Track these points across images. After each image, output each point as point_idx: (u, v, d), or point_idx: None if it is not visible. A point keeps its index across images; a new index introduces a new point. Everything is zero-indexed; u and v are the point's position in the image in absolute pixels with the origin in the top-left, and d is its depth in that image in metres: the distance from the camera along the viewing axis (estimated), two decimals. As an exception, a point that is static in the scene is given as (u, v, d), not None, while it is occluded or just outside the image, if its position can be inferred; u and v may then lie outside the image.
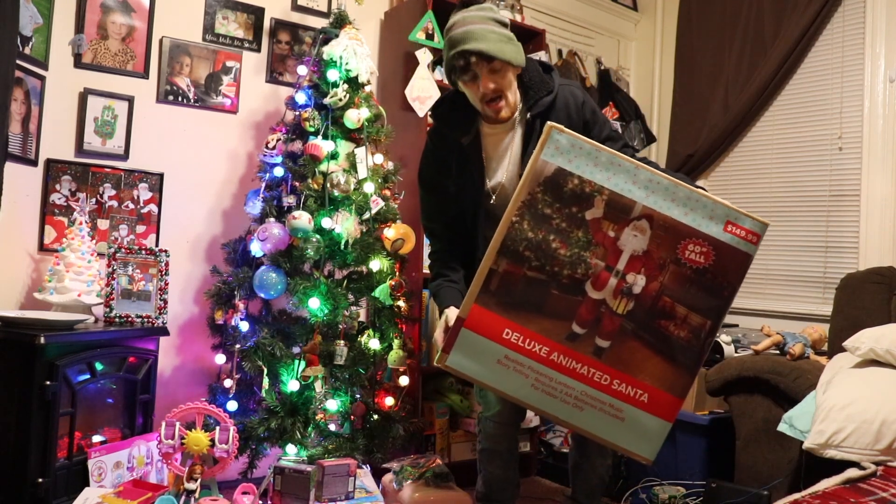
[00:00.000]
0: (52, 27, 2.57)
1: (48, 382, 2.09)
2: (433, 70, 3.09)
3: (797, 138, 3.63)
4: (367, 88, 2.77)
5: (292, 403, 2.51)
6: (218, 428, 2.20)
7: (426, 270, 2.88)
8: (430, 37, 3.09)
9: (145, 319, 2.50)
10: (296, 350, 2.56)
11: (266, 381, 2.51)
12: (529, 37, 3.50)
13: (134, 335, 2.49)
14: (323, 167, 2.59)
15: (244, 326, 2.53)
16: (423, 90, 3.03)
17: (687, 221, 1.56)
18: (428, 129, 2.71)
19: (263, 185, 2.66)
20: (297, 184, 2.59)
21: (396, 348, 2.64)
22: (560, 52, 4.07)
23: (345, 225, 2.60)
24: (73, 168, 2.64)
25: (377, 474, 2.62)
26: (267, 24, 3.08)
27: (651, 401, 1.59)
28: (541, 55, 3.42)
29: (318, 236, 2.54)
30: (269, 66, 3.09)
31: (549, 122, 1.60)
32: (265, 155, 2.66)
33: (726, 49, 3.86)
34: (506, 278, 1.58)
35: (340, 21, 2.75)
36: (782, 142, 3.70)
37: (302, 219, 2.50)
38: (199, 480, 2.15)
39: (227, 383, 2.56)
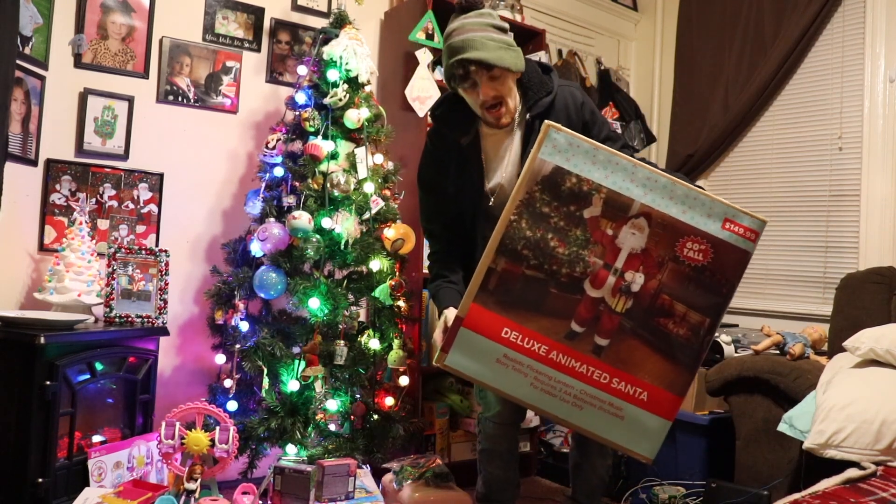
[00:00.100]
0: (52, 27, 2.57)
1: (48, 382, 2.09)
2: (433, 70, 3.09)
3: (797, 138, 3.63)
4: (367, 88, 2.77)
5: (292, 403, 2.51)
6: (218, 428, 2.20)
7: (426, 270, 2.88)
8: (430, 37, 3.09)
9: (145, 319, 2.50)
10: (296, 350, 2.56)
11: (266, 381, 2.51)
12: (529, 37, 3.50)
13: (134, 335, 2.49)
14: (323, 167, 2.60)
15: (244, 326, 2.53)
16: (423, 90, 3.04)
17: (685, 219, 1.56)
18: (427, 129, 2.71)
19: (263, 185, 2.66)
20: (297, 184, 2.59)
21: (396, 348, 2.64)
22: (560, 52, 4.07)
23: (345, 225, 2.60)
24: (73, 168, 2.65)
25: (377, 474, 2.61)
26: (267, 24, 3.09)
27: (651, 399, 1.59)
28: (541, 55, 3.42)
29: (318, 236, 2.54)
30: (269, 66, 3.10)
31: (546, 121, 1.60)
32: (265, 155, 2.66)
33: (726, 49, 3.86)
34: (504, 277, 1.58)
35: (340, 21, 2.75)
36: (782, 142, 3.70)
37: (302, 219, 2.50)
38: (199, 480, 2.15)
39: (227, 383, 2.56)
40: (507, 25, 1.98)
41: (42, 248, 2.58)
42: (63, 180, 2.63)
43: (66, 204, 2.63)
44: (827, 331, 2.80)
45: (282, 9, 3.13)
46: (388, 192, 2.75)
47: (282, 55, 3.13)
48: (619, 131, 3.88)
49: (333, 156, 2.64)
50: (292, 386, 2.49)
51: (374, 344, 2.61)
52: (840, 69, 3.47)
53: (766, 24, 3.67)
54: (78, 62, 2.67)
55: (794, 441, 2.22)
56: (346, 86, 2.66)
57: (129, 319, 2.48)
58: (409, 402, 2.81)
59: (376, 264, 2.62)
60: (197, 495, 2.13)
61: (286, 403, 2.51)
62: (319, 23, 3.11)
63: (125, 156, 2.75)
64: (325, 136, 2.63)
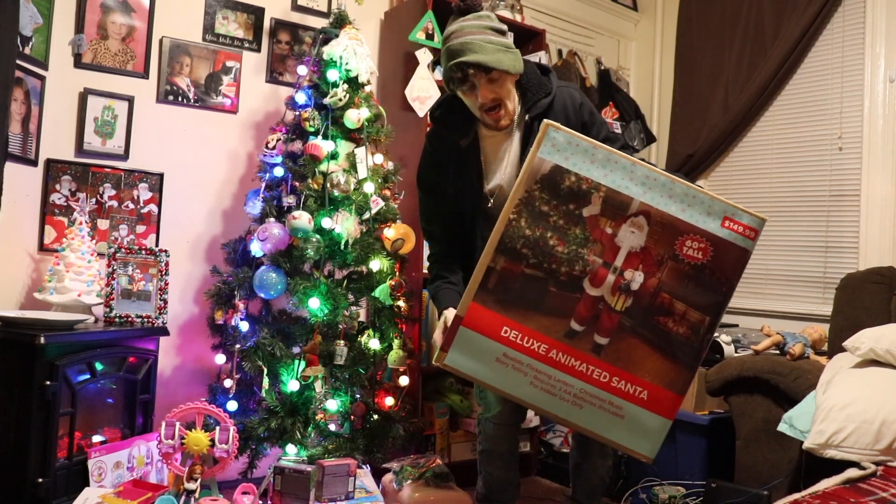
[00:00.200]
0: (52, 27, 2.57)
1: (48, 382, 2.09)
2: (433, 70, 3.09)
3: (797, 138, 3.63)
4: (367, 88, 2.77)
5: (292, 403, 2.51)
6: (218, 428, 2.20)
7: (426, 270, 2.88)
8: (430, 37, 3.09)
9: (145, 319, 2.50)
10: (296, 350, 2.56)
11: (266, 381, 2.51)
12: (529, 37, 3.50)
13: (134, 335, 2.49)
14: (323, 167, 2.60)
15: (244, 326, 2.53)
16: (423, 90, 3.04)
17: (684, 217, 1.57)
18: (427, 131, 2.71)
19: (263, 185, 2.66)
20: (297, 184, 2.59)
21: (396, 348, 2.64)
22: (560, 52, 4.08)
23: (345, 225, 2.60)
24: (73, 168, 2.65)
25: (377, 474, 2.61)
26: (267, 24, 3.09)
27: (651, 398, 1.59)
28: (541, 55, 3.42)
29: (318, 236, 2.54)
30: (269, 66, 3.10)
31: (545, 120, 1.60)
32: (265, 155, 2.66)
33: (726, 49, 3.86)
34: (504, 276, 1.58)
35: (340, 21, 2.75)
36: (782, 142, 3.70)
37: (302, 219, 2.50)
38: (199, 480, 2.15)
39: (227, 383, 2.56)
40: (505, 27, 1.98)
41: (42, 248, 2.58)
42: (63, 180, 2.63)
43: (66, 204, 2.63)
44: (827, 331, 2.80)
45: (282, 9, 3.13)
46: (388, 192, 2.75)
47: (282, 55, 3.13)
48: (619, 131, 3.88)
49: (333, 156, 2.64)
50: (292, 386, 2.49)
51: (374, 344, 2.60)
52: (840, 69, 3.47)
53: (766, 24, 3.67)
54: (78, 62, 2.67)
55: (794, 441, 2.22)
56: (346, 86, 2.66)
57: (129, 319, 2.48)
58: (409, 402, 2.81)
59: (376, 264, 2.62)
60: (197, 495, 2.13)
61: (286, 403, 2.51)
62: (319, 23, 3.11)
63: (125, 156, 2.76)
64: (325, 136, 2.63)
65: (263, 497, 2.37)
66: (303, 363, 2.52)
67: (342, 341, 2.54)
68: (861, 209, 3.33)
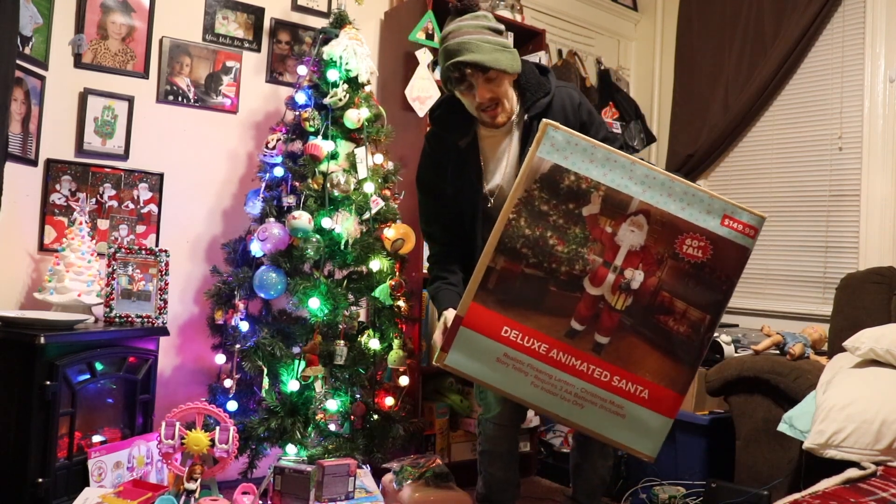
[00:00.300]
0: (52, 27, 2.57)
1: (48, 382, 2.09)
2: (433, 70, 3.09)
3: (797, 138, 3.63)
4: (367, 88, 2.78)
5: (292, 403, 2.51)
6: (218, 428, 2.20)
7: (426, 270, 2.88)
8: (430, 37, 3.09)
9: (145, 319, 2.50)
10: (296, 350, 2.56)
11: (266, 381, 2.51)
12: (529, 37, 3.50)
13: (134, 335, 2.49)
14: (323, 167, 2.60)
15: (244, 326, 2.53)
16: (423, 90, 3.04)
17: (684, 216, 1.57)
18: (426, 131, 2.71)
19: (263, 185, 2.66)
20: (297, 184, 2.59)
21: (396, 348, 2.64)
22: (560, 52, 4.08)
23: (345, 225, 2.60)
24: (73, 168, 2.65)
25: (377, 474, 2.61)
26: (267, 24, 3.09)
27: (651, 397, 1.59)
28: (541, 55, 3.42)
29: (318, 236, 2.54)
30: (269, 66, 3.10)
31: (544, 120, 1.60)
32: (265, 155, 2.66)
33: (726, 49, 3.86)
34: (503, 276, 1.58)
35: (340, 21, 2.75)
36: (782, 142, 3.70)
37: (302, 219, 2.50)
38: (199, 480, 2.15)
39: (227, 383, 2.56)
40: (502, 27, 1.98)
41: (42, 248, 2.58)
42: (63, 180, 2.63)
43: (66, 204, 2.63)
44: (827, 331, 2.80)
45: (282, 9, 3.13)
46: (388, 192, 2.75)
47: (282, 55, 3.13)
48: (619, 131, 3.88)
49: (333, 156, 2.64)
50: (292, 386, 2.49)
51: (374, 344, 2.60)
52: (840, 69, 3.47)
53: (766, 24, 3.68)
54: (78, 62, 2.67)
55: (794, 441, 2.21)
56: (346, 86, 2.66)
57: (129, 319, 2.48)
58: (409, 402, 2.81)
59: (376, 264, 2.62)
60: (197, 495, 2.13)
61: (286, 403, 2.50)
62: (319, 23, 3.11)
63: (125, 156, 2.76)
64: (325, 136, 2.63)
65: (263, 497, 2.37)
66: (303, 363, 2.52)
67: (342, 341, 2.54)
68: (861, 209, 3.33)
